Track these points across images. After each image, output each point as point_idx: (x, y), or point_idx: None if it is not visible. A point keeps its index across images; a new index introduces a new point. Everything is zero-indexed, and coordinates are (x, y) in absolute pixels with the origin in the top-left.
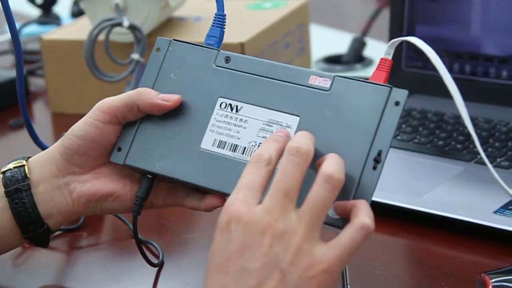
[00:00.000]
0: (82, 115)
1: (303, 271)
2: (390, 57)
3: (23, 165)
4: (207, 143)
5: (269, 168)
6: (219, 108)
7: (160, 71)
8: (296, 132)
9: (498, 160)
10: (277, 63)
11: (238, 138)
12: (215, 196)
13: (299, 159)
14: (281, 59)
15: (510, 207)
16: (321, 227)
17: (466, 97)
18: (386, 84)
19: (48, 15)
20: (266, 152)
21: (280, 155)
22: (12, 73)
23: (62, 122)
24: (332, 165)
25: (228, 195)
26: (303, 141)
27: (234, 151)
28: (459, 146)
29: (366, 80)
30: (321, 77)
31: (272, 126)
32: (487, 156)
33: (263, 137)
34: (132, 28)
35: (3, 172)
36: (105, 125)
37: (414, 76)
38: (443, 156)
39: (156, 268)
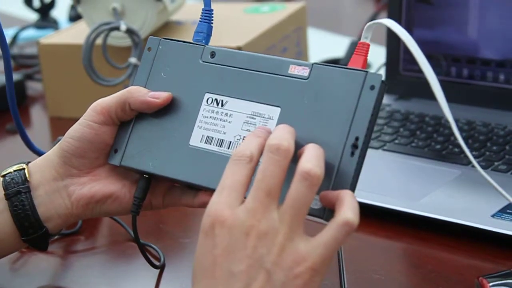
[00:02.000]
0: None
1: (287, 270)
2: (367, 41)
3: (23, 169)
4: (196, 139)
5: (251, 165)
6: (206, 103)
7: (152, 70)
8: (277, 123)
9: (496, 163)
10: (258, 55)
11: (224, 133)
12: (207, 193)
13: (279, 157)
14: None
15: (508, 210)
16: (304, 222)
17: (463, 101)
18: (362, 69)
19: (45, 19)
20: (247, 148)
21: (262, 150)
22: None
23: (60, 126)
24: (310, 160)
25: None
26: (283, 137)
27: (220, 146)
28: (456, 149)
29: (344, 66)
30: (300, 65)
31: (255, 118)
32: (485, 160)
33: (247, 130)
34: (130, 32)
35: (3, 176)
36: (100, 126)
37: (412, 79)
38: (441, 160)
39: (154, 272)
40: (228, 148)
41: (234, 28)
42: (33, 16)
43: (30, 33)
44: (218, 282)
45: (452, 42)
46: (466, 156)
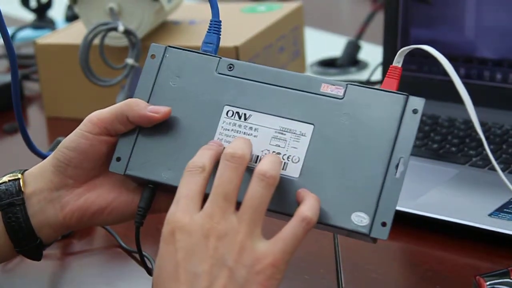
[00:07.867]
0: (77, 119)
1: (249, 267)
2: (399, 65)
3: (18, 179)
4: None
5: (204, 175)
6: (226, 116)
7: (157, 79)
8: (311, 140)
9: None
10: (284, 71)
11: None
12: None
13: (234, 163)
14: (276, 62)
15: (505, 209)
16: (262, 223)
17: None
18: (402, 92)
19: (42, 19)
20: (199, 160)
21: (214, 161)
22: (6, 78)
23: (57, 126)
24: (266, 164)
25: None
26: (238, 146)
27: None
28: (453, 149)
29: (380, 88)
30: (333, 85)
31: (285, 134)
32: (482, 159)
33: (276, 145)
34: (127, 33)
35: None
36: (95, 137)
37: (409, 79)
38: (438, 159)
39: (150, 272)
40: (256, 163)
41: (231, 28)
42: (29, 16)
43: (27, 33)
44: (183, 284)
45: (449, 41)
46: (463, 155)
